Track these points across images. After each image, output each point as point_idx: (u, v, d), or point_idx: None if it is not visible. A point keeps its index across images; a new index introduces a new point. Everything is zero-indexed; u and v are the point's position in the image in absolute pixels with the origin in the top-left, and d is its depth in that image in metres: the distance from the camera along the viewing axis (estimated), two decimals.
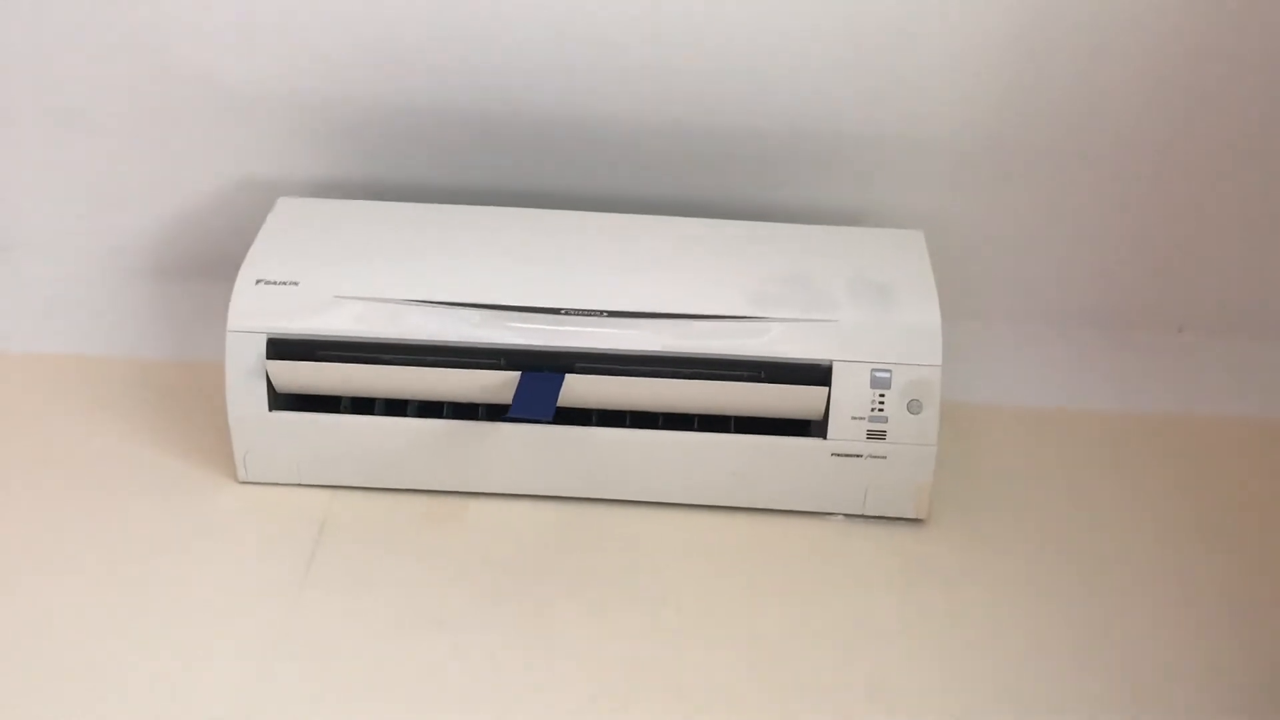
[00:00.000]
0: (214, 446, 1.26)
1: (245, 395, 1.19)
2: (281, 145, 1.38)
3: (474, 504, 1.23)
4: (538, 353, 1.18)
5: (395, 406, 1.22)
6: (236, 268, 1.21)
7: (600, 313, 1.19)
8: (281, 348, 1.18)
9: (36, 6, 1.32)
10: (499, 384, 1.17)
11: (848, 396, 1.18)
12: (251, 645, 1.09)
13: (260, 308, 1.19)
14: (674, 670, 1.08)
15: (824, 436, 1.19)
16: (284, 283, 1.20)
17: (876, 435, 1.19)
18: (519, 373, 1.17)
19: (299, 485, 1.23)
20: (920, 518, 1.23)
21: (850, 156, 1.37)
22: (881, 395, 1.18)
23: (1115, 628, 1.14)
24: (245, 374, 1.19)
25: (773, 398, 1.18)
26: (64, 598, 1.12)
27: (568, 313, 1.19)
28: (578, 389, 1.18)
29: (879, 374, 1.18)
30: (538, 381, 1.16)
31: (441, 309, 1.19)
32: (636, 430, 1.21)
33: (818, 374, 1.18)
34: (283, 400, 1.21)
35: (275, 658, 1.08)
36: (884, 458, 1.20)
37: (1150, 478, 1.30)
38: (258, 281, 1.20)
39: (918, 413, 1.18)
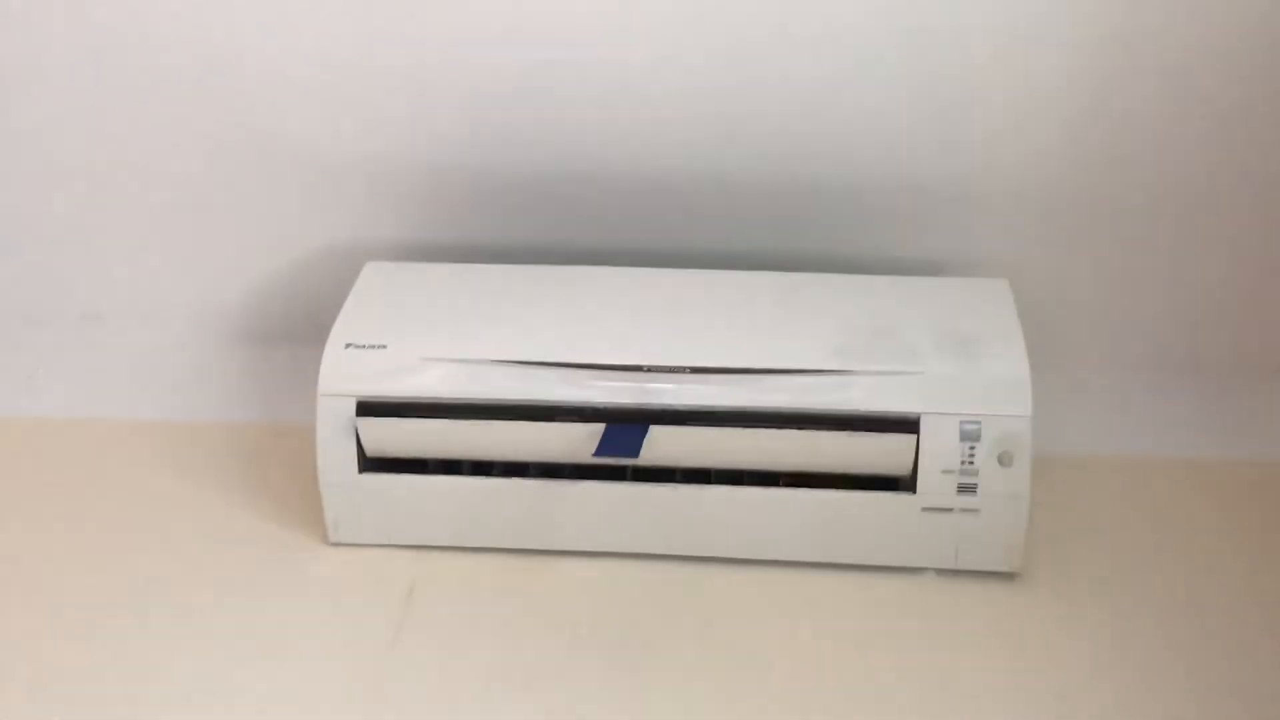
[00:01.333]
0: (305, 509, 1.27)
1: (336, 458, 1.21)
2: (369, 210, 1.41)
3: (561, 563, 1.23)
4: (622, 410, 1.18)
5: (481, 468, 1.23)
6: (326, 332, 1.23)
7: (683, 369, 1.19)
8: (371, 410, 1.19)
9: (129, 77, 1.35)
10: (584, 437, 1.18)
11: (937, 450, 1.16)
12: (344, 706, 1.09)
13: (350, 371, 1.20)
14: None
15: (913, 491, 1.18)
16: (373, 346, 1.21)
17: (967, 489, 1.17)
18: (603, 424, 1.17)
19: (389, 546, 1.24)
20: (1014, 572, 1.20)
21: (933, 207, 1.36)
22: (971, 448, 1.16)
23: (1217, 682, 1.10)
24: (336, 437, 1.20)
25: (859, 451, 1.17)
26: (160, 661, 1.13)
27: (650, 369, 1.19)
28: (661, 445, 1.18)
29: (968, 426, 1.16)
30: (623, 429, 1.16)
31: (525, 369, 1.20)
32: (722, 487, 1.20)
33: (905, 427, 1.16)
34: (372, 463, 1.22)
35: (365, 716, 1.08)
36: (976, 511, 1.18)
37: (1248, 525, 1.26)
38: (347, 345, 1.22)
39: (1008, 465, 1.16)
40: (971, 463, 1.17)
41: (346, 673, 1.12)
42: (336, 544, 1.25)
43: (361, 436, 1.20)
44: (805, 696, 1.10)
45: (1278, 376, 1.42)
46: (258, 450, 1.36)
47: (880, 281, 1.30)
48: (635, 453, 1.16)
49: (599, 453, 1.16)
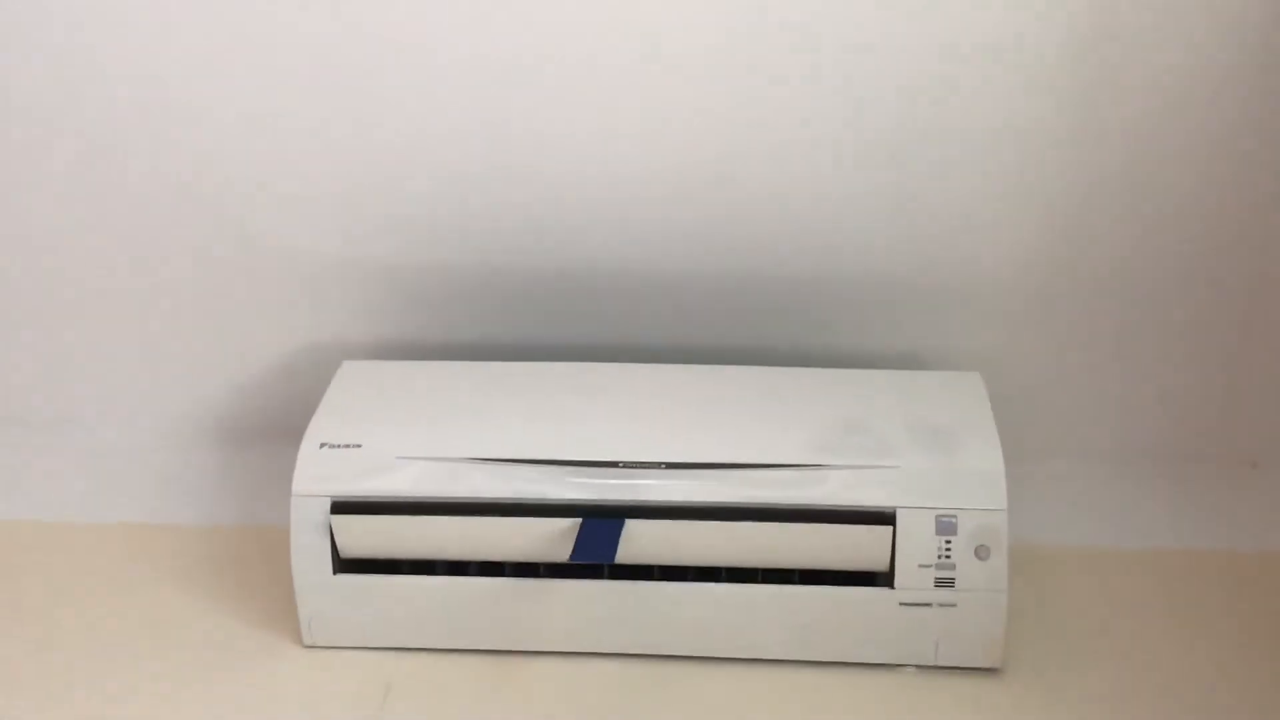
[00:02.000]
0: (279, 610, 1.26)
1: (310, 558, 1.20)
2: (344, 310, 1.42)
3: (538, 663, 1.21)
4: (597, 507, 1.18)
5: (457, 568, 1.22)
6: (301, 431, 1.23)
7: (658, 465, 1.19)
8: (346, 509, 1.19)
9: (112, 182, 1.36)
10: (560, 533, 1.17)
11: (913, 544, 1.16)
12: None
13: (324, 471, 1.20)
14: None
15: (891, 586, 1.17)
16: (347, 445, 1.21)
17: (945, 583, 1.17)
18: (579, 520, 1.16)
19: (364, 648, 1.23)
20: (994, 667, 1.19)
21: (906, 301, 1.37)
22: (948, 541, 1.16)
23: None
24: (310, 537, 1.19)
25: (836, 545, 1.17)
26: None
27: (625, 465, 1.19)
28: (638, 542, 1.18)
29: (944, 519, 1.16)
30: (598, 527, 1.16)
31: (500, 466, 1.19)
32: (699, 585, 1.19)
33: (881, 520, 1.16)
34: (347, 564, 1.21)
35: None
36: (954, 605, 1.17)
37: (1226, 618, 1.26)
38: (322, 445, 1.21)
39: (986, 559, 1.16)
40: (948, 556, 1.16)
41: None
42: (311, 646, 1.23)
43: (336, 536, 1.19)
44: None
45: (1250, 470, 1.43)
46: (232, 552, 1.35)
47: (855, 375, 1.31)
48: (611, 557, 1.15)
49: (575, 557, 1.15)
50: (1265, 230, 1.33)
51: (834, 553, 1.17)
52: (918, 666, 1.20)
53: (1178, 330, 1.38)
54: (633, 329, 1.40)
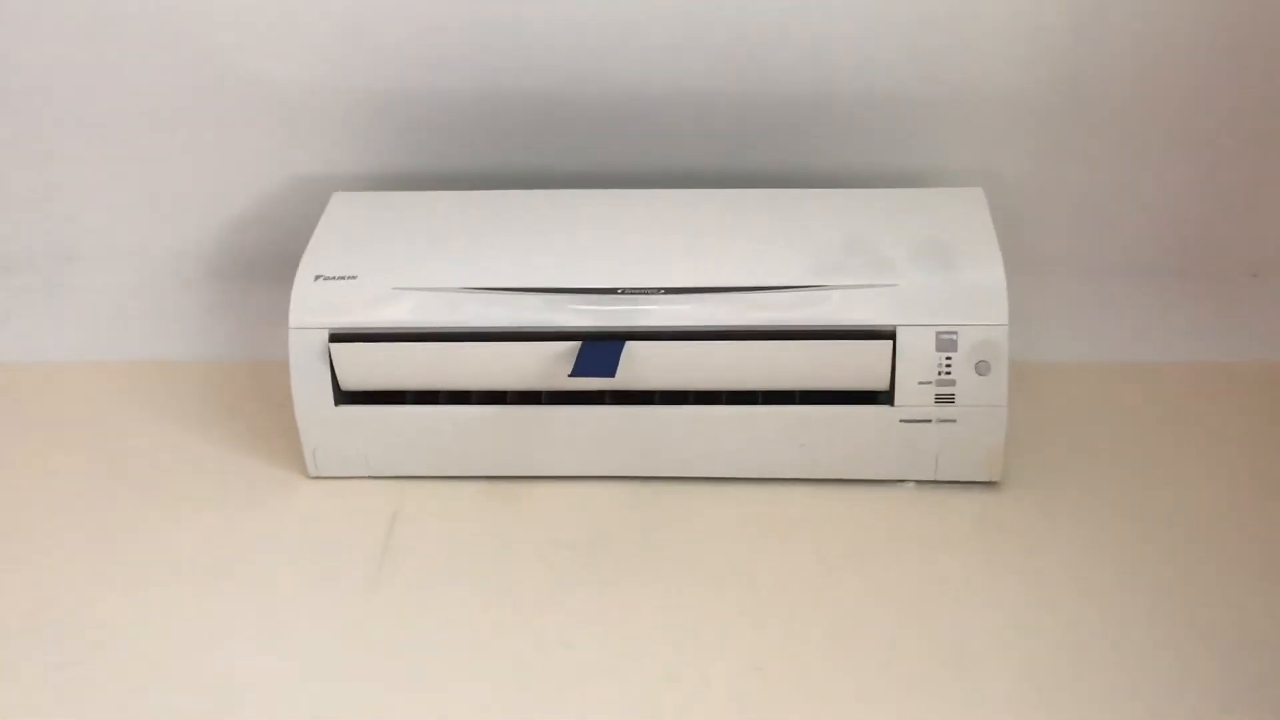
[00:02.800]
0: (283, 444, 1.27)
1: (310, 391, 1.20)
2: (333, 141, 1.39)
3: (541, 487, 1.23)
4: (596, 333, 1.17)
5: (458, 398, 1.22)
6: (295, 266, 1.22)
7: (657, 290, 1.18)
8: (344, 341, 1.18)
9: (86, 16, 1.33)
10: (560, 355, 1.17)
11: (913, 361, 1.16)
12: (330, 636, 1.10)
13: (320, 304, 1.19)
14: (749, 644, 1.08)
15: (891, 403, 1.18)
16: (342, 277, 1.20)
17: (945, 399, 1.17)
18: (579, 342, 1.16)
19: (369, 478, 1.24)
20: (993, 480, 1.21)
21: (905, 117, 1.35)
22: (948, 358, 1.16)
23: (1196, 586, 1.11)
24: (309, 369, 1.19)
25: (837, 365, 1.17)
26: (142, 598, 1.14)
27: (624, 292, 1.18)
28: (639, 366, 1.18)
29: (944, 336, 1.16)
30: (598, 346, 1.16)
31: (498, 295, 1.19)
32: (699, 407, 1.20)
33: (881, 339, 1.16)
34: (347, 396, 1.21)
35: (354, 647, 1.09)
36: (953, 421, 1.18)
37: (1227, 428, 1.27)
38: (316, 278, 1.21)
39: (986, 374, 1.16)
40: (949, 373, 1.16)
41: (331, 601, 1.13)
42: (317, 477, 1.24)
43: (335, 367, 1.19)
44: (789, 608, 1.11)
45: (1250, 279, 1.42)
46: (234, 387, 1.36)
47: (854, 195, 1.29)
48: (612, 371, 1.15)
49: (575, 373, 1.15)
50: (1269, 43, 1.29)
51: (834, 372, 1.18)
52: (918, 482, 1.21)
53: (1179, 142, 1.36)
54: (631, 154, 1.38)
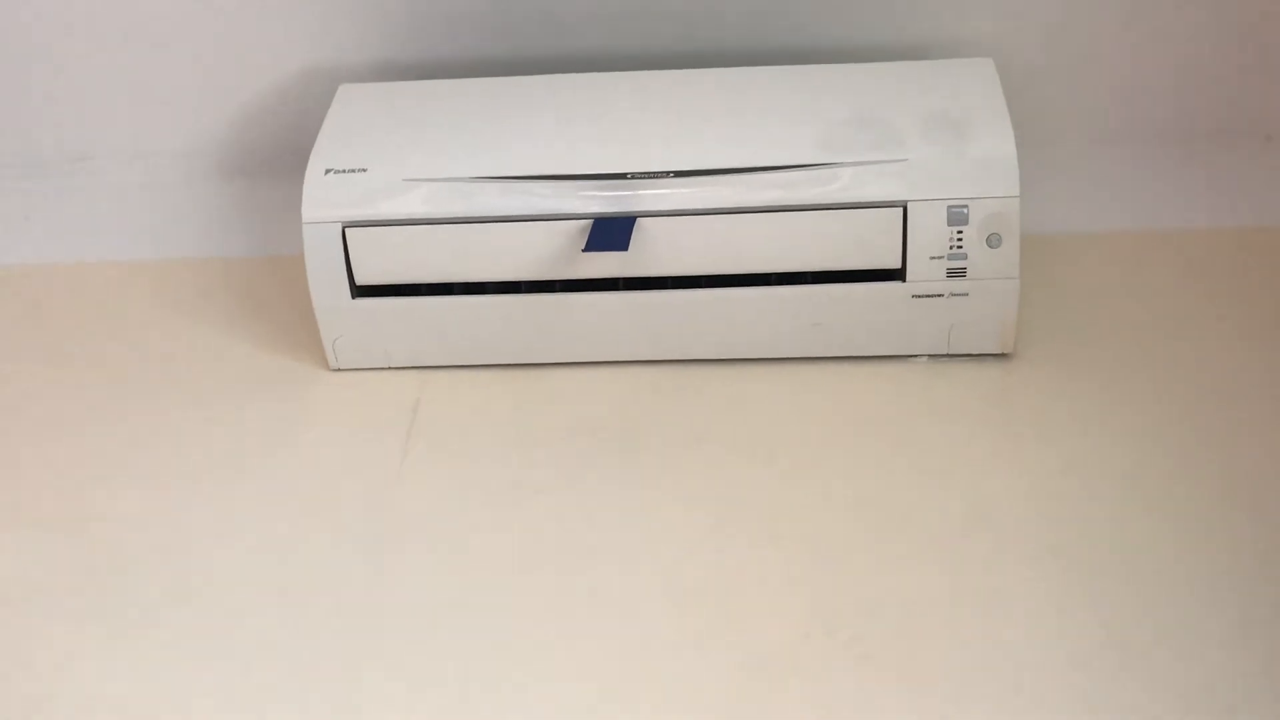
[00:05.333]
0: (303, 338, 1.28)
1: (327, 284, 1.21)
2: (337, 31, 1.38)
3: (560, 373, 1.24)
4: (608, 218, 1.17)
5: (474, 289, 1.23)
6: (305, 159, 1.22)
7: (667, 174, 1.18)
8: (358, 231, 1.19)
9: None
10: (574, 236, 1.17)
11: (924, 235, 1.16)
12: (355, 524, 1.12)
13: (332, 197, 1.20)
14: (771, 515, 1.10)
15: (903, 279, 1.18)
16: (353, 170, 1.21)
17: (957, 273, 1.18)
18: (591, 221, 1.16)
19: (390, 369, 1.26)
20: (1006, 352, 1.22)
21: None
22: (959, 231, 1.16)
23: (1213, 448, 1.12)
24: (325, 263, 1.20)
25: (847, 240, 1.17)
26: (169, 491, 1.16)
27: (634, 176, 1.18)
28: (651, 250, 1.18)
29: (955, 209, 1.16)
30: (611, 221, 1.16)
31: (509, 183, 1.19)
32: (712, 290, 1.21)
33: (892, 215, 1.16)
34: (364, 289, 1.23)
35: (379, 535, 1.11)
36: (966, 295, 1.18)
37: (1240, 295, 1.27)
38: (327, 171, 1.21)
39: (997, 246, 1.17)
40: (960, 246, 1.17)
41: (358, 488, 1.15)
42: (338, 369, 1.26)
43: (351, 260, 1.20)
44: (808, 479, 1.13)
45: (1265, 143, 1.41)
46: (251, 283, 1.37)
47: (861, 69, 1.28)
48: (624, 245, 1.16)
49: (589, 248, 1.16)
50: None
51: (846, 249, 1.18)
52: (931, 356, 1.22)
53: (1194, 8, 1.33)
54: (635, 35, 1.36)
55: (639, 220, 1.16)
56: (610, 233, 1.15)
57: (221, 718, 0.98)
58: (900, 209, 1.16)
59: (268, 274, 1.37)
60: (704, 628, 1.02)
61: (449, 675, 1.00)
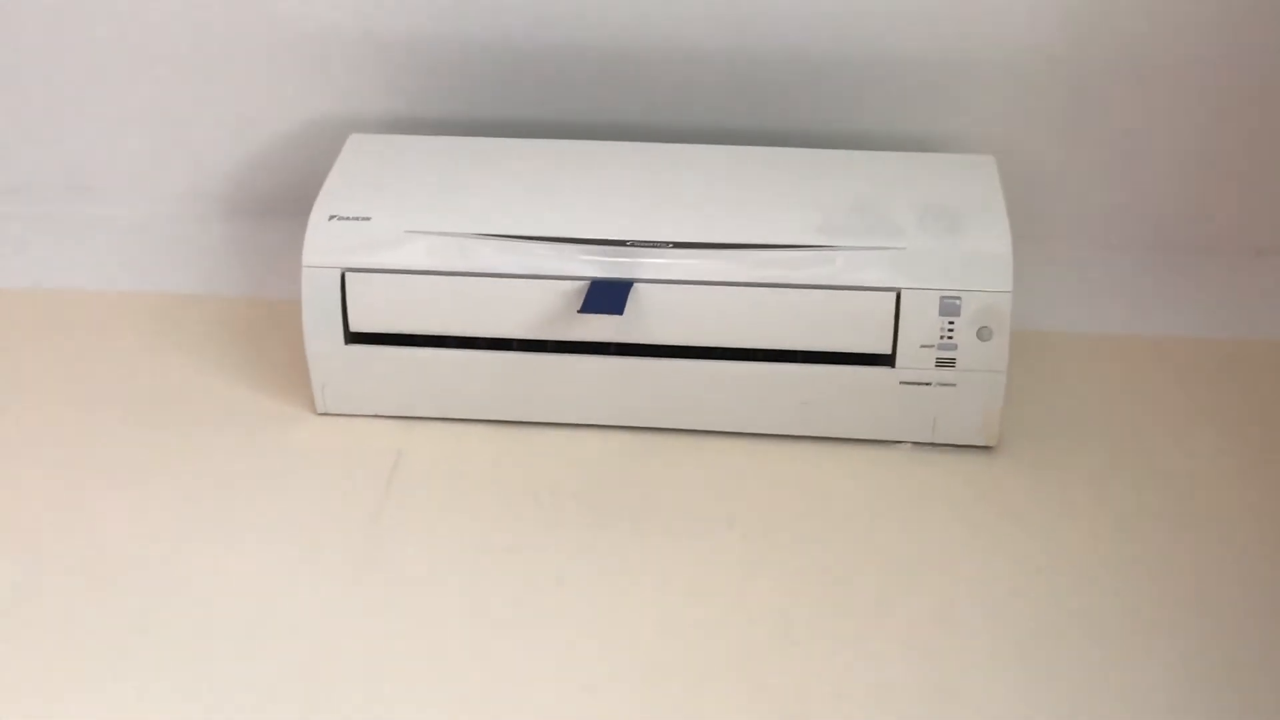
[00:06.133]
0: (292, 381, 1.29)
1: (322, 329, 1.22)
2: (353, 82, 1.40)
3: (544, 433, 1.25)
4: (605, 281, 1.18)
5: (466, 344, 1.23)
6: (310, 205, 1.23)
7: (666, 244, 1.20)
8: (356, 280, 1.20)
9: None
10: (570, 297, 1.17)
11: (916, 324, 1.17)
12: (332, 571, 1.12)
13: (334, 243, 1.21)
14: (741, 595, 1.10)
15: (892, 365, 1.19)
16: (357, 218, 1.22)
17: (946, 363, 1.19)
18: (588, 282, 1.17)
19: (376, 417, 1.26)
20: (990, 445, 1.22)
21: (917, 81, 1.35)
22: (951, 322, 1.17)
23: (1190, 555, 1.13)
24: (321, 307, 1.21)
25: (839, 323, 1.18)
26: (148, 527, 1.16)
27: (633, 244, 1.20)
28: (645, 317, 1.19)
29: (948, 301, 1.17)
30: (608, 284, 1.17)
31: (509, 242, 1.20)
32: (702, 362, 1.21)
33: (885, 301, 1.17)
34: (358, 336, 1.23)
35: (354, 582, 1.11)
36: (953, 385, 1.19)
37: (1225, 405, 1.28)
38: (331, 217, 1.22)
39: (987, 340, 1.18)
40: (950, 337, 1.18)
41: (334, 535, 1.15)
42: (324, 414, 1.26)
43: (348, 305, 1.21)
44: (782, 557, 1.12)
45: (1258, 256, 1.43)
46: (245, 323, 1.37)
47: (863, 157, 1.30)
48: (620, 309, 1.16)
49: (585, 308, 1.16)
50: None
51: (837, 332, 1.19)
52: (915, 443, 1.23)
53: (1194, 120, 1.36)
54: (644, 107, 1.39)
55: (635, 286, 1.17)
56: (607, 295, 1.17)
57: None
58: (894, 295, 1.17)
59: (262, 315, 1.38)
60: (665, 700, 1.01)
61: (422, 718, 0.99)
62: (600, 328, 1.19)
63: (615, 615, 1.08)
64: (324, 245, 1.21)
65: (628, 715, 1.00)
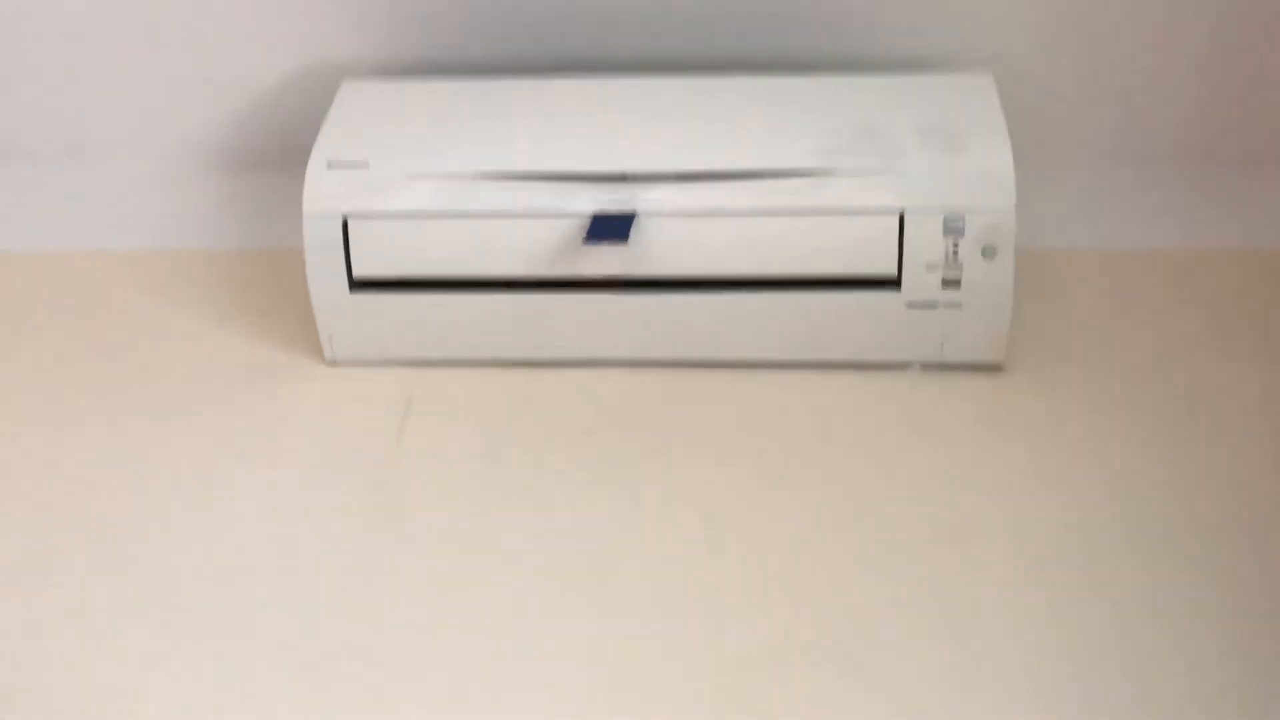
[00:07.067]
0: (300, 332, 1.29)
1: (326, 277, 1.22)
2: (342, 28, 1.38)
3: (554, 373, 1.25)
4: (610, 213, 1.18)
5: (471, 285, 1.23)
6: (307, 154, 1.22)
7: (668, 176, 1.19)
8: (358, 226, 1.19)
9: None
10: (574, 232, 1.17)
11: (921, 245, 1.17)
12: (346, 518, 1.12)
13: (333, 190, 1.20)
14: (756, 518, 1.10)
15: (898, 288, 1.19)
16: (355, 164, 1.21)
17: (951, 283, 1.19)
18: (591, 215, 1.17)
19: (385, 363, 1.26)
20: (997, 363, 1.23)
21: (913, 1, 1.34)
22: (955, 243, 1.17)
23: (1197, 466, 1.13)
24: (324, 256, 1.21)
25: (844, 248, 1.18)
26: (161, 483, 1.16)
27: (634, 178, 1.19)
28: (649, 251, 1.19)
29: (952, 221, 1.17)
30: (612, 215, 1.17)
31: (510, 181, 1.20)
32: (708, 294, 1.21)
33: (888, 224, 1.17)
34: (362, 282, 1.23)
35: (369, 529, 1.12)
36: (959, 306, 1.19)
37: (1229, 315, 1.28)
38: (329, 165, 1.21)
39: (992, 258, 1.17)
40: (956, 257, 1.18)
41: (349, 483, 1.15)
42: (334, 363, 1.27)
43: (351, 252, 1.21)
44: (795, 484, 1.13)
45: (1260, 165, 1.42)
46: (248, 277, 1.37)
47: (862, 81, 1.29)
48: (625, 236, 1.16)
49: (589, 238, 1.16)
50: None
51: (841, 256, 1.19)
52: (923, 365, 1.23)
53: (1193, 30, 1.35)
54: (640, 40, 1.37)
55: (639, 218, 1.17)
56: (612, 225, 1.16)
57: (216, 704, 0.98)
58: (896, 217, 1.17)
59: (265, 267, 1.37)
60: (687, 628, 1.02)
61: (437, 665, 1.00)
62: (606, 262, 1.19)
63: (635, 549, 1.09)
64: (323, 192, 1.20)
65: (648, 646, 1.01)
